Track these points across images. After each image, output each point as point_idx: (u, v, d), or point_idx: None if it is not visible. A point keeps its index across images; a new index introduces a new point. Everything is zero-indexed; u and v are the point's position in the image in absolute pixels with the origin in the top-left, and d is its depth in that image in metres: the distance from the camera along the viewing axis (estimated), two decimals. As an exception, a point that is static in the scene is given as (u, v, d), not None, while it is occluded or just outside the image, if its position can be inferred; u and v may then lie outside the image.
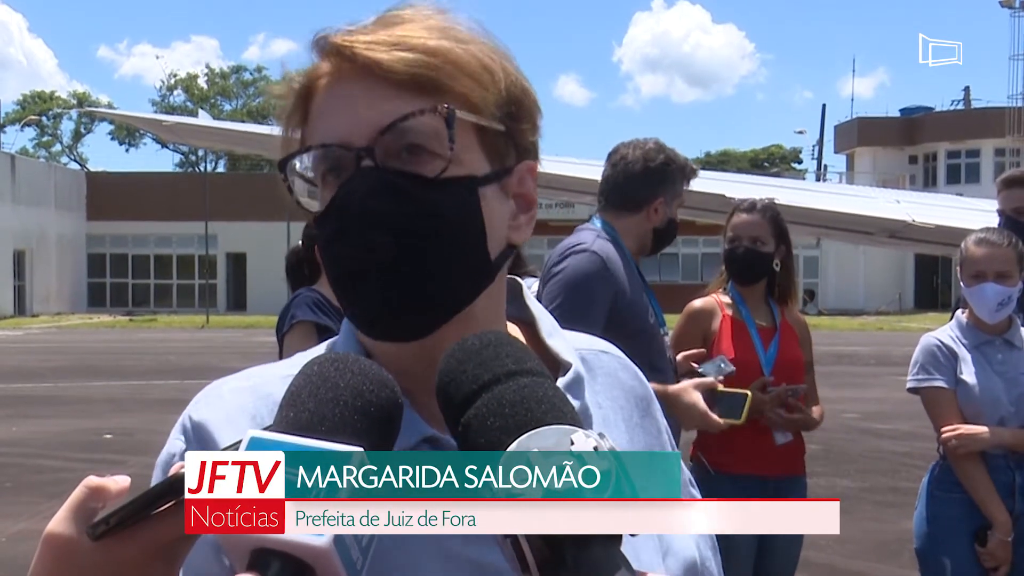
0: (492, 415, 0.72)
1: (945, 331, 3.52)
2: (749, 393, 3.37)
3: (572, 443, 0.67)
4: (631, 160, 3.35)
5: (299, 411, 0.73)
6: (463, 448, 0.73)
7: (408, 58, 0.92)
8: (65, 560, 0.76)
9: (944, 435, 3.39)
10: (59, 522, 0.76)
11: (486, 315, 0.98)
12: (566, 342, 1.08)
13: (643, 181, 3.32)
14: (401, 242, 0.92)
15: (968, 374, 3.39)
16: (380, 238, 0.92)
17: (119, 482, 0.77)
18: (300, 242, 4.03)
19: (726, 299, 3.70)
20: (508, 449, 0.68)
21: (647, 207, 3.32)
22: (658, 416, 1.13)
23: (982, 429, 3.34)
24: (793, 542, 3.66)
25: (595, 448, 0.67)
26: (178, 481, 0.72)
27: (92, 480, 0.77)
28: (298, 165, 0.98)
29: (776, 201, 3.82)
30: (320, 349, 1.04)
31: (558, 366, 1.04)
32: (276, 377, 0.98)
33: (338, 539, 0.66)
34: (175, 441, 0.96)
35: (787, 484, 3.58)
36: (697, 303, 3.74)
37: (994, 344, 3.41)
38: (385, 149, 0.92)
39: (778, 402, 3.52)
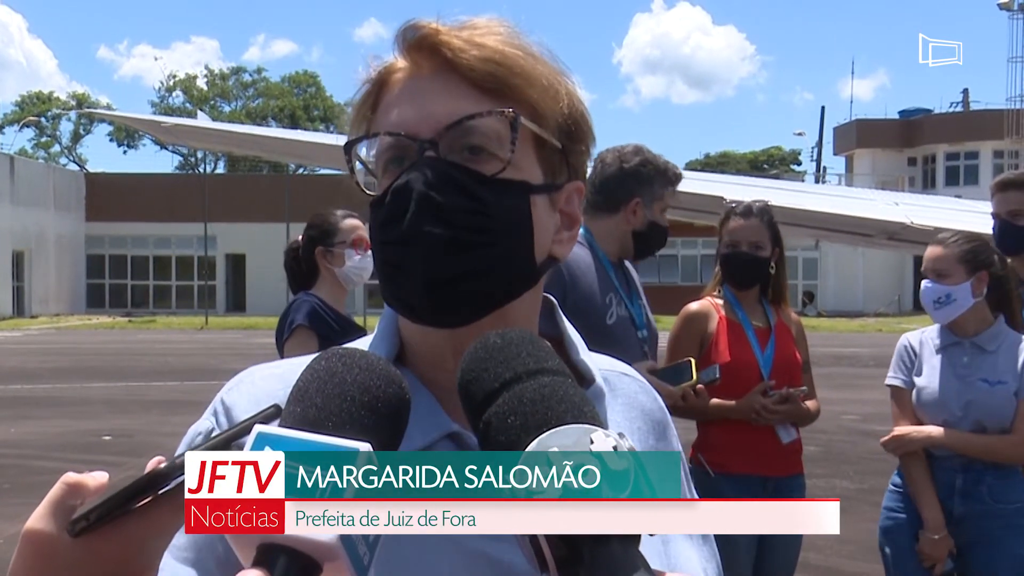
0: (512, 413, 0.72)
1: (921, 331, 3.56)
2: (691, 358, 3.42)
3: (592, 442, 0.67)
4: (608, 162, 3.39)
5: (306, 406, 0.73)
6: (483, 446, 0.73)
7: (484, 59, 0.96)
8: (45, 557, 0.75)
9: (882, 439, 3.50)
10: (38, 519, 0.76)
11: (522, 319, 1.00)
12: (592, 362, 1.10)
13: (618, 182, 3.34)
14: (452, 233, 0.95)
15: (924, 375, 3.43)
16: (432, 227, 0.94)
17: (97, 478, 0.77)
18: (299, 238, 4.02)
19: (721, 301, 3.71)
20: (528, 447, 0.68)
21: (623, 208, 3.33)
22: (673, 441, 1.15)
23: (912, 430, 3.40)
24: (792, 542, 3.68)
25: (615, 448, 0.67)
26: (157, 477, 0.72)
27: (71, 476, 0.77)
28: (362, 152, 1.01)
29: (769, 203, 3.81)
30: (359, 343, 1.05)
31: (582, 380, 1.06)
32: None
33: (345, 534, 0.66)
34: (205, 420, 1.01)
35: (787, 483, 3.60)
36: (693, 306, 3.75)
37: (962, 346, 3.40)
38: (449, 144, 0.96)
39: (780, 404, 3.55)
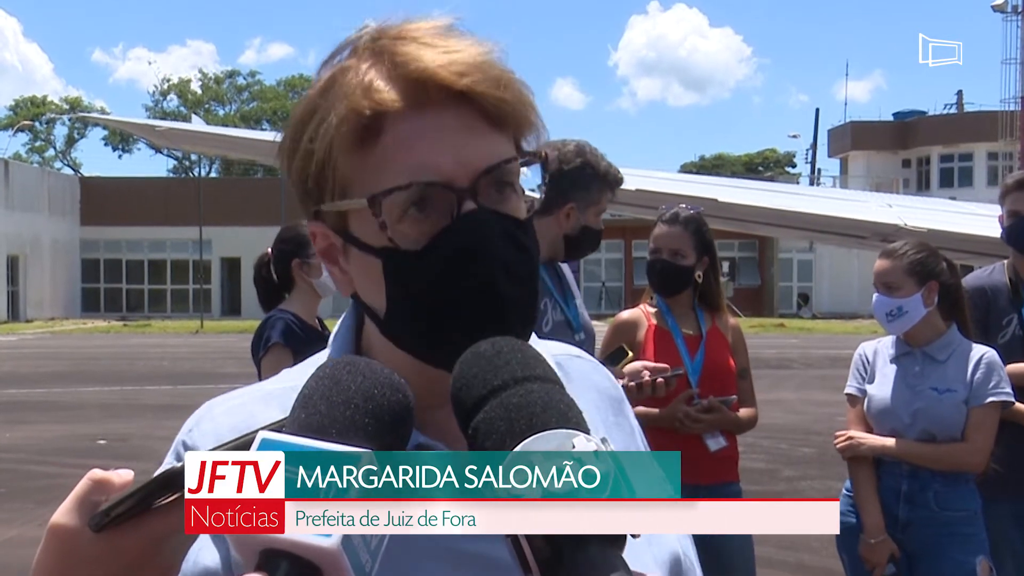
0: (499, 419, 0.74)
1: (877, 340, 3.57)
2: (622, 344, 3.42)
3: (574, 446, 0.69)
4: (547, 161, 3.28)
5: (310, 413, 0.74)
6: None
7: (494, 90, 0.93)
8: (68, 551, 0.78)
9: (835, 441, 3.54)
10: (63, 513, 0.78)
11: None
12: (544, 349, 1.09)
13: (554, 183, 3.15)
14: (523, 291, 0.96)
15: (876, 384, 3.45)
16: (511, 290, 0.94)
17: (123, 475, 0.79)
18: (268, 251, 4.05)
19: (652, 309, 3.69)
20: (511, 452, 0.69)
21: (557, 211, 3.18)
22: (630, 416, 1.16)
23: (866, 435, 3.43)
24: (741, 543, 3.53)
25: (596, 451, 0.69)
26: (177, 475, 0.73)
27: (96, 473, 0.79)
28: (385, 201, 0.92)
29: (700, 211, 3.72)
30: (318, 359, 1.04)
31: None
32: (262, 394, 1.01)
33: (346, 541, 0.66)
34: (167, 464, 0.98)
35: (718, 491, 3.52)
36: (624, 315, 3.74)
37: (914, 356, 3.40)
38: (484, 190, 0.93)
39: (704, 413, 3.53)
